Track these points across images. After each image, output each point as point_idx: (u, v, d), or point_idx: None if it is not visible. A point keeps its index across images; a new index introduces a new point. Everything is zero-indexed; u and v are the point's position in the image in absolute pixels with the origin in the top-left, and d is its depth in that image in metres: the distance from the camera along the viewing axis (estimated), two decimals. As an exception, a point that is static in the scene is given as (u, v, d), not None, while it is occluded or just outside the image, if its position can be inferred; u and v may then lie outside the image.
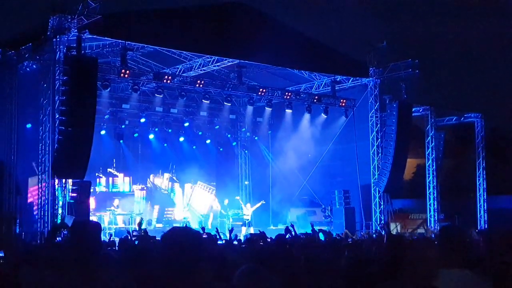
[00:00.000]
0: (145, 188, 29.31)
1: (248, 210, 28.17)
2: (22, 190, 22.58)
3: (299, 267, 6.12)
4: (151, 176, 29.93)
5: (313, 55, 25.37)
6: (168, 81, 23.88)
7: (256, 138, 31.43)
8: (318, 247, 10.43)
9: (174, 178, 30.67)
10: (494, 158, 32.16)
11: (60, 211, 19.76)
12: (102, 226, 24.68)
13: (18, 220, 20.88)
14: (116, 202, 27.16)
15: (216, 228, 17.23)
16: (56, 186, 19.87)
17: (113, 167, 28.61)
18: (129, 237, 16.13)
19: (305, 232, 18.23)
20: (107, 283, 4.04)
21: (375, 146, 26.89)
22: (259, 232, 15.55)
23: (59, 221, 19.42)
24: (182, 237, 3.73)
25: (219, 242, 14.02)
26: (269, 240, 13.19)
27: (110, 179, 28.46)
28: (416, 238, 17.82)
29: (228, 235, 15.13)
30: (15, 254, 6.95)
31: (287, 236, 13.62)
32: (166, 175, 30.44)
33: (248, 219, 27.75)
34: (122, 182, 28.61)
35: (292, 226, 17.95)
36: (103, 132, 27.08)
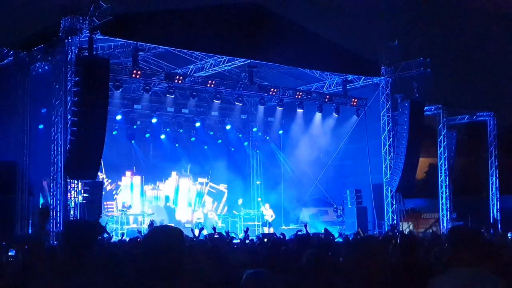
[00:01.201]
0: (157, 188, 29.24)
1: (267, 211, 28.31)
2: (35, 191, 22.69)
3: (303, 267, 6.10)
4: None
5: (324, 54, 25.31)
6: (180, 81, 23.92)
7: (267, 137, 31.41)
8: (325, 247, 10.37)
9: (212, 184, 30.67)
10: (506, 157, 31.96)
11: (72, 212, 19.83)
12: (114, 226, 24.77)
13: (30, 221, 21.01)
14: (127, 202, 27.18)
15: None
16: (68, 187, 19.94)
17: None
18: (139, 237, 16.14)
19: (317, 233, 18.23)
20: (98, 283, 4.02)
21: (387, 145, 26.84)
22: (280, 234, 15.60)
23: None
24: (162, 238, 3.67)
25: (235, 241, 14.06)
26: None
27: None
28: (426, 237, 17.73)
29: (240, 235, 15.16)
30: (30, 254, 6.98)
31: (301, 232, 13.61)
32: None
33: (268, 220, 27.95)
34: (130, 183, 28.39)
35: (305, 226, 17.95)
36: (115, 132, 27.13)
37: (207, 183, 30.66)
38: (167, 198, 29.54)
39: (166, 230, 3.81)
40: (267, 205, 29.02)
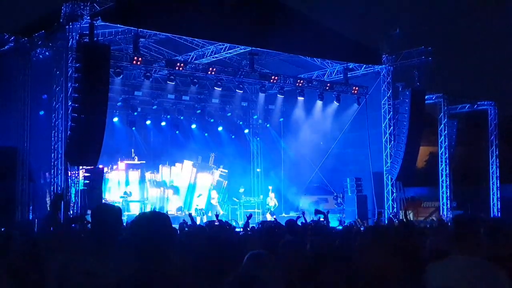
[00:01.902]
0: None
1: (272, 200, 28.43)
2: (35, 177, 22.73)
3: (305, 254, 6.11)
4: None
5: (326, 42, 25.23)
6: (180, 68, 23.86)
7: (268, 125, 31.41)
8: (327, 235, 10.39)
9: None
10: (507, 146, 31.95)
11: (73, 198, 19.86)
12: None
13: (31, 207, 21.06)
14: (128, 187, 27.15)
15: (250, 214, 17.19)
16: (69, 173, 19.95)
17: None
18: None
19: (316, 220, 18.23)
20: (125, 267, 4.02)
21: (387, 134, 26.82)
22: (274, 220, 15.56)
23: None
24: (149, 224, 3.63)
25: (237, 229, 14.09)
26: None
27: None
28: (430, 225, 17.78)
29: (240, 222, 15.16)
30: (32, 238, 6.99)
31: (299, 223, 13.59)
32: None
33: (270, 207, 28.11)
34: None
35: (303, 213, 17.93)
36: (115, 119, 27.12)
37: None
38: (177, 189, 29.41)
39: (153, 216, 3.77)
40: (272, 194, 29.11)
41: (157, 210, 22.65)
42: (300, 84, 26.58)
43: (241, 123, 31.73)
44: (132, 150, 28.50)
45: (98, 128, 19.52)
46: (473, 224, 5.11)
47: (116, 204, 21.79)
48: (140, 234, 3.62)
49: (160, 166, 29.28)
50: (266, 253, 3.88)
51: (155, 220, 3.68)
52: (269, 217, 26.57)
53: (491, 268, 4.45)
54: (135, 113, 27.65)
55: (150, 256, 3.54)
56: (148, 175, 28.72)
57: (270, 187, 29.47)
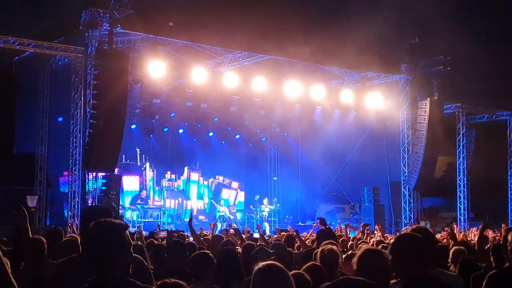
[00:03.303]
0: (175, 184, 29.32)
1: (266, 207, 28.28)
2: (53, 183, 22.87)
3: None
4: (186, 169, 29.98)
5: (344, 51, 25.12)
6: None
7: (285, 133, 31.35)
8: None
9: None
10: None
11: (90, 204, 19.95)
12: (132, 220, 24.79)
13: (48, 213, 21.20)
14: (144, 193, 27.19)
15: (258, 224, 17.20)
16: (87, 180, 20.05)
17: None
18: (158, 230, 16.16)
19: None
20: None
21: (405, 144, 26.63)
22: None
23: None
24: (101, 229, 3.65)
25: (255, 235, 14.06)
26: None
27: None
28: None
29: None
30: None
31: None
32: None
33: (265, 215, 27.93)
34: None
35: (319, 221, 17.78)
36: (133, 126, 27.22)
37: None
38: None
39: (103, 224, 3.72)
40: (265, 200, 28.95)
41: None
42: (318, 93, 26.47)
43: (259, 131, 31.69)
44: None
45: (116, 135, 19.61)
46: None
47: (131, 210, 21.71)
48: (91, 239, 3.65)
49: (186, 169, 29.43)
50: (277, 265, 3.77)
51: (106, 227, 3.66)
52: (267, 226, 26.48)
53: None
54: (153, 121, 27.72)
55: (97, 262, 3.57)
56: (164, 182, 28.78)
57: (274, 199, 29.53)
